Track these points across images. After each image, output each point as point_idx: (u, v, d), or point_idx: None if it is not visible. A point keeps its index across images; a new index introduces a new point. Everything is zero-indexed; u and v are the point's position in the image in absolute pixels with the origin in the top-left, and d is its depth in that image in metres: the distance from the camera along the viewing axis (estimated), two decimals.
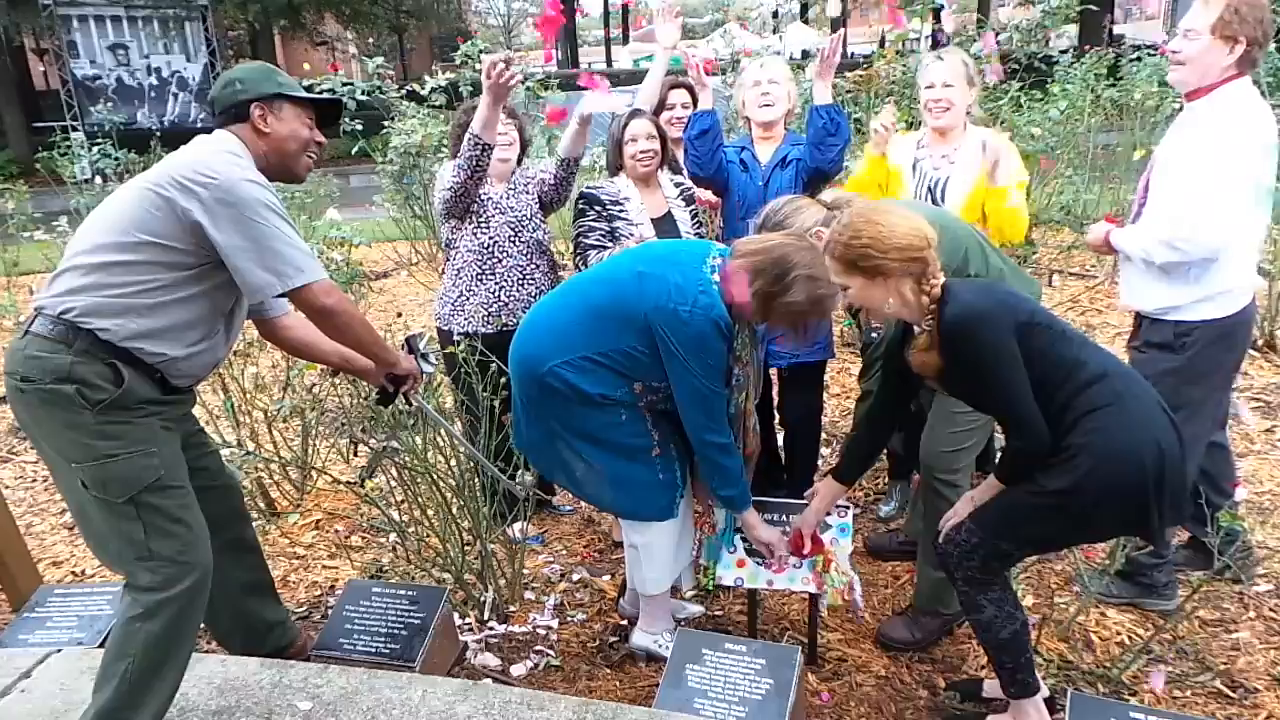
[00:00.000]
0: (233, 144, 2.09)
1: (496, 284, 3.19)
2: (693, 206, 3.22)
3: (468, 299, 3.20)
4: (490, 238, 3.16)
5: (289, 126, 2.16)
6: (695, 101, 3.40)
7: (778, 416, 3.42)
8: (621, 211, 3.07)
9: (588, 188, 3.15)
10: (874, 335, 2.45)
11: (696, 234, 3.19)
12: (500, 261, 3.18)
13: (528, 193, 3.27)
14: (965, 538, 2.13)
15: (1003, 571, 2.16)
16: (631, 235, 3.03)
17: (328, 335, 2.21)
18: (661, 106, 3.46)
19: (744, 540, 2.61)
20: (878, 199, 3.02)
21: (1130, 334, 2.72)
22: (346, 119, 6.18)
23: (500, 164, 3.16)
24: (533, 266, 3.23)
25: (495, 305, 3.18)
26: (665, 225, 3.13)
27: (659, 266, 2.28)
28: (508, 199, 3.22)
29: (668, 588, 2.59)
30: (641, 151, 3.04)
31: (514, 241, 3.19)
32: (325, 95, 2.31)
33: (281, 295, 2.03)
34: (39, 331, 1.95)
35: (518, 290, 3.20)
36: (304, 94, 2.20)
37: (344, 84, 6.15)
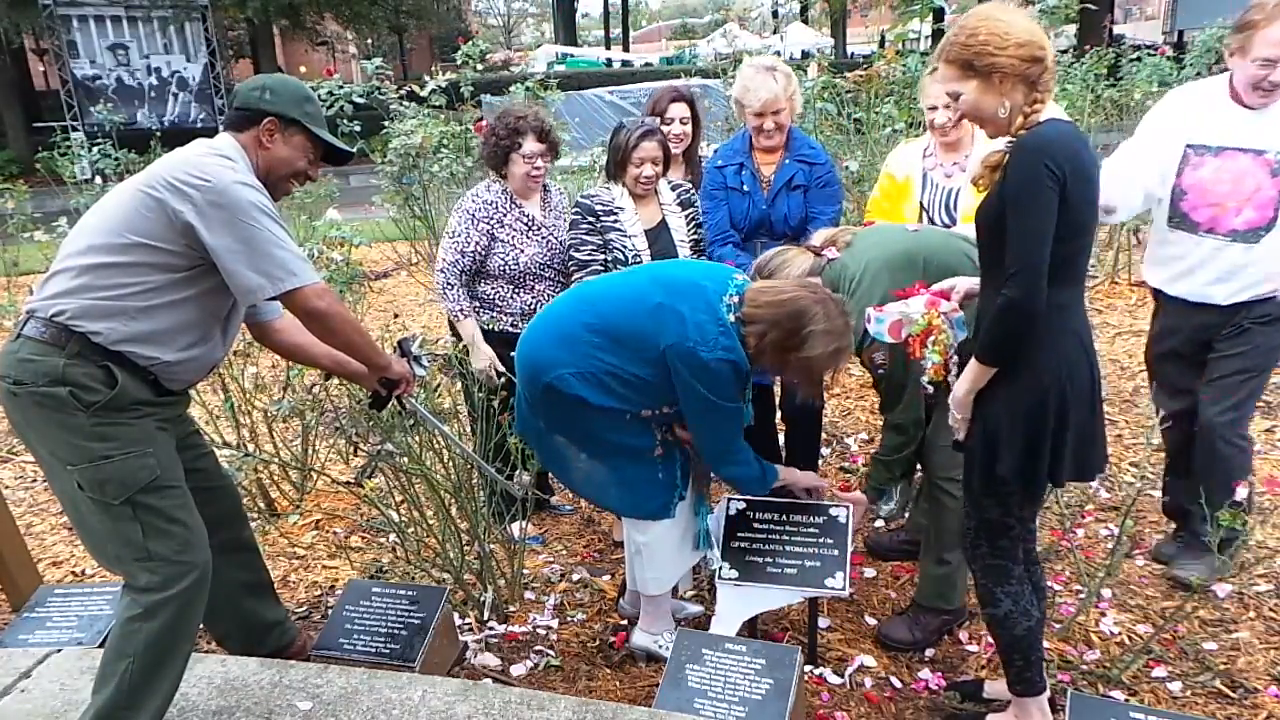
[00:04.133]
0: (228, 148, 2.09)
1: (533, 298, 3.20)
2: (690, 210, 3.19)
3: (499, 305, 3.21)
4: (530, 258, 3.16)
5: (289, 153, 2.17)
6: (695, 116, 3.34)
7: (778, 415, 3.42)
8: (615, 222, 3.06)
9: (583, 197, 3.14)
10: (880, 372, 2.43)
11: (694, 239, 3.17)
12: (539, 278, 3.20)
13: (562, 216, 3.28)
14: (967, 525, 2.13)
15: (1014, 550, 2.13)
16: (624, 247, 3.03)
17: (319, 338, 2.21)
18: (659, 120, 3.30)
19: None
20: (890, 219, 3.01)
21: (1162, 334, 2.84)
22: (345, 120, 6.18)
23: (531, 181, 3.15)
24: (562, 282, 3.24)
25: (530, 313, 3.17)
26: (659, 235, 3.11)
27: (679, 300, 2.24)
28: (546, 217, 3.23)
29: (669, 588, 2.59)
30: (645, 176, 3.02)
31: (551, 258, 3.21)
32: (343, 146, 2.29)
33: (273, 298, 2.03)
34: (31, 334, 1.95)
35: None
36: (321, 134, 2.21)
37: (340, 86, 6.14)
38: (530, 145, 3.07)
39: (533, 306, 3.17)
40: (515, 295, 3.21)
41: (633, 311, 2.28)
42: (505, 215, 3.16)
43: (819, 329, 2.17)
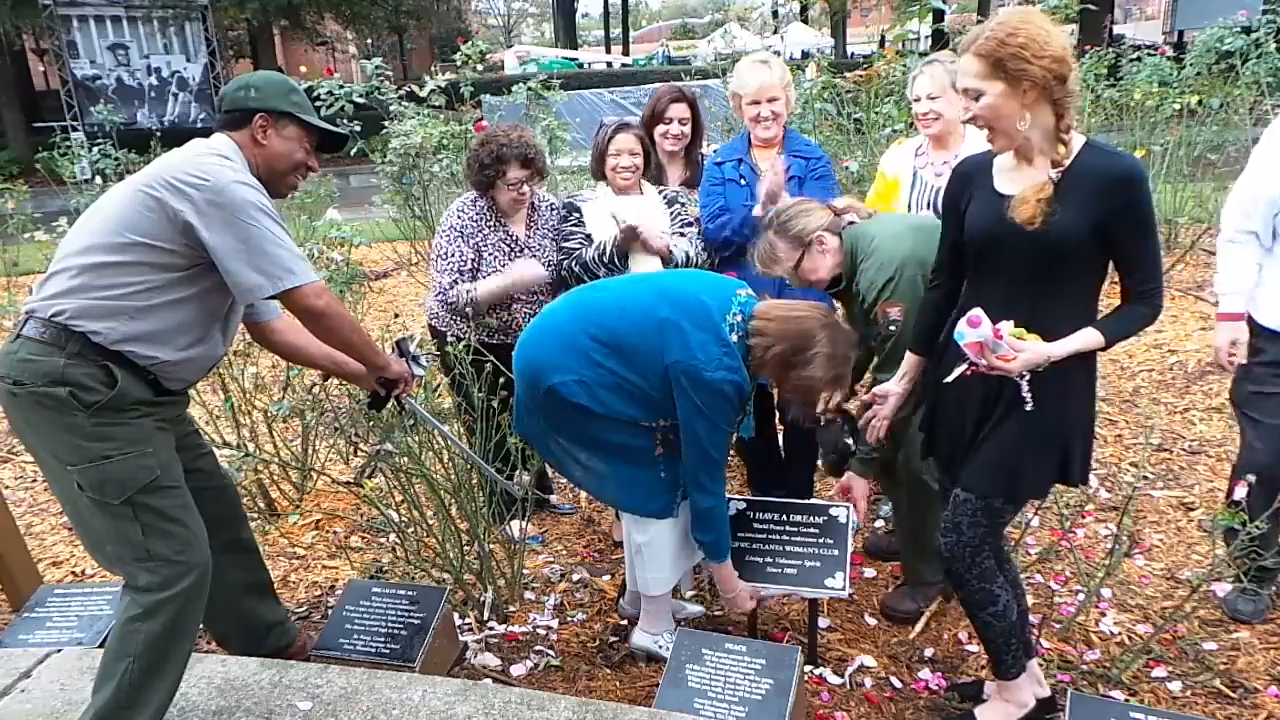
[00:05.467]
0: (226, 148, 2.09)
1: (510, 315, 3.18)
2: (675, 208, 3.18)
3: (477, 317, 3.18)
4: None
5: (286, 146, 2.17)
6: (695, 117, 3.30)
7: (778, 416, 3.42)
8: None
9: (569, 197, 3.16)
10: (893, 328, 2.41)
11: (678, 234, 3.16)
12: (520, 298, 3.17)
13: (549, 235, 3.23)
14: (970, 535, 2.10)
15: (1001, 544, 2.19)
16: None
17: (317, 337, 2.21)
18: (658, 119, 3.27)
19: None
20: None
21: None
22: (345, 120, 6.19)
23: (517, 204, 3.13)
24: (549, 298, 3.20)
25: (511, 328, 3.15)
26: None
27: (684, 317, 2.24)
28: (531, 238, 3.20)
29: (669, 588, 2.59)
30: (623, 167, 3.04)
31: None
32: (335, 129, 2.28)
33: (272, 297, 2.03)
34: (30, 335, 1.95)
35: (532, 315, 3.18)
36: (313, 120, 2.21)
37: (339, 86, 6.13)
38: (514, 173, 3.04)
39: (506, 323, 3.16)
40: (490, 312, 3.17)
41: (637, 324, 2.29)
42: (489, 235, 3.14)
43: (823, 352, 2.21)
